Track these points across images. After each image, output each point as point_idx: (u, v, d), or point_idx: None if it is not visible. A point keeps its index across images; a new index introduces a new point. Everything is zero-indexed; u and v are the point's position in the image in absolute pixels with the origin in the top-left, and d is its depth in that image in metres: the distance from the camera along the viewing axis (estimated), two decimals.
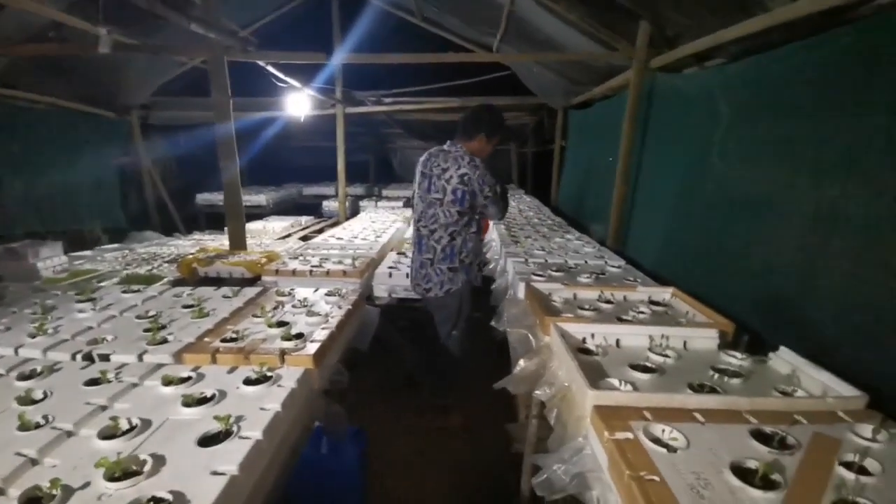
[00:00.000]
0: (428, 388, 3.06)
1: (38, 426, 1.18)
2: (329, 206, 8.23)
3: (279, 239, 5.23)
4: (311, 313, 1.99)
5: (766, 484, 0.97)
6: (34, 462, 1.06)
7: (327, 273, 2.93)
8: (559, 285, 2.27)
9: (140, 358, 1.58)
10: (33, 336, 1.72)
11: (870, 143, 1.58)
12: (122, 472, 1.00)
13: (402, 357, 3.21)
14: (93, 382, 1.40)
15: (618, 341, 1.72)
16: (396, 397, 3.11)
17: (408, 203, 6.66)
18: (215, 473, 1.02)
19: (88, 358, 1.59)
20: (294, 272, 2.96)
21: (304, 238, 5.27)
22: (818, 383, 1.39)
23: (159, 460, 1.06)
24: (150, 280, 3.05)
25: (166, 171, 7.15)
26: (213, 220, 7.23)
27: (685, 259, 2.78)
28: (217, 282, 3.08)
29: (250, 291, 2.29)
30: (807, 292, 1.81)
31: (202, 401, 1.31)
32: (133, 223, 5.98)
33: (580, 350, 1.64)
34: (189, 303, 2.11)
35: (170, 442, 1.13)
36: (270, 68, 4.58)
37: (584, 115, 5.60)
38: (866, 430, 1.14)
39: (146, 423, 1.20)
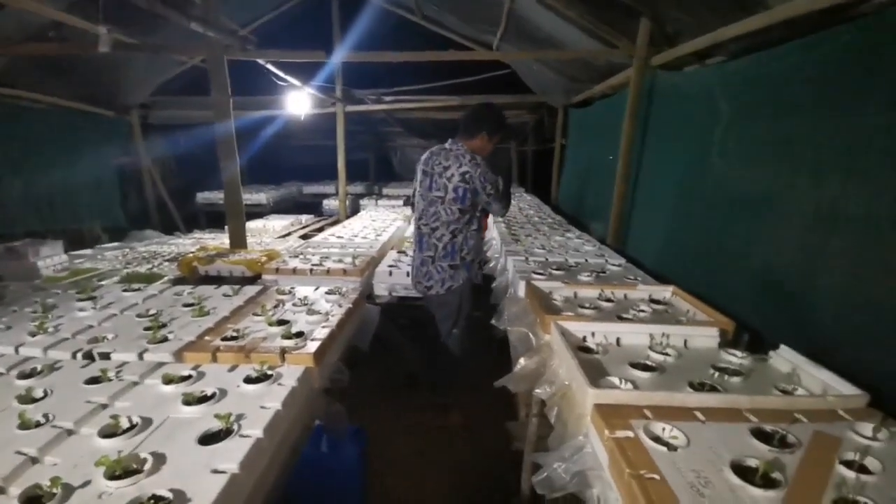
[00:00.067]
0: (428, 386, 3.06)
1: (38, 425, 1.18)
2: (329, 204, 8.24)
3: (279, 237, 5.23)
4: (311, 312, 1.99)
5: (767, 482, 0.97)
6: (34, 460, 1.06)
7: (328, 272, 2.93)
8: (559, 284, 2.27)
9: (140, 356, 1.58)
10: (34, 335, 1.72)
11: (870, 142, 1.58)
12: (122, 470, 1.00)
13: (403, 356, 3.22)
14: (93, 381, 1.40)
15: (618, 340, 1.72)
16: (397, 396, 3.12)
17: (407, 201, 6.66)
18: (216, 472, 1.02)
19: (89, 356, 1.59)
20: (294, 271, 2.96)
21: (305, 237, 5.27)
22: (819, 382, 1.39)
23: (160, 459, 1.06)
24: (150, 279, 3.05)
25: (166, 170, 7.15)
26: (213, 219, 7.23)
27: (685, 257, 2.78)
28: (217, 280, 3.08)
29: (251, 290, 2.29)
30: (807, 291, 1.81)
31: (203, 399, 1.31)
32: (133, 222, 5.98)
33: (580, 348, 1.64)
34: (189, 301, 2.11)
35: (170, 440, 1.13)
36: (270, 67, 4.58)
37: (584, 114, 5.60)
38: (867, 428, 1.14)
39: (147, 422, 1.20)
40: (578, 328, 1.72)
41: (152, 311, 1.98)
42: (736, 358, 1.58)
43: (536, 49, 5.00)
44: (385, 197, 8.33)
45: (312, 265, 3.01)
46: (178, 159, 7.49)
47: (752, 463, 1.02)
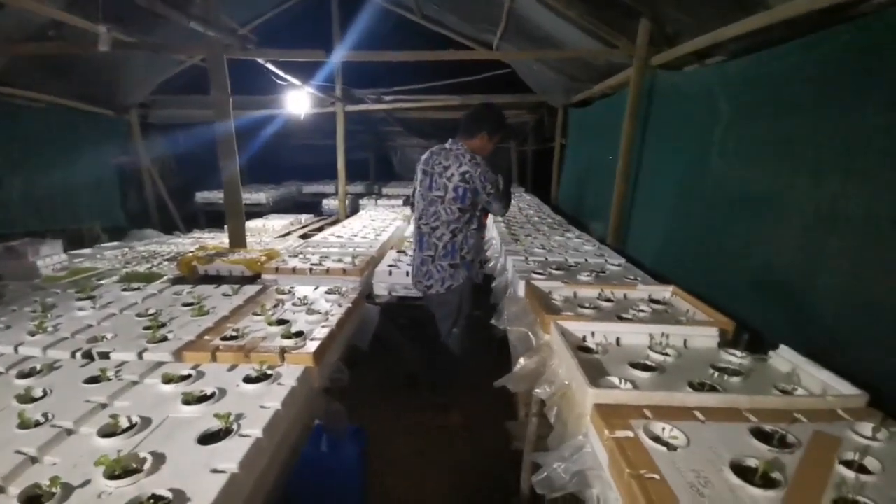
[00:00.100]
0: (428, 386, 3.06)
1: (37, 424, 1.18)
2: (329, 204, 8.23)
3: (279, 237, 5.23)
4: (311, 311, 1.99)
5: (766, 482, 0.97)
6: (34, 460, 1.06)
7: (327, 271, 2.93)
8: (559, 283, 2.27)
9: (140, 356, 1.58)
10: (33, 334, 1.71)
11: (870, 142, 1.58)
12: (122, 470, 1.00)
13: (402, 355, 3.22)
14: (93, 380, 1.40)
15: (618, 339, 1.72)
16: (396, 396, 3.12)
17: (407, 201, 6.66)
18: (215, 471, 1.02)
19: (88, 356, 1.59)
20: (294, 270, 2.96)
21: (304, 236, 5.26)
22: (818, 382, 1.39)
23: (159, 458, 1.06)
24: (149, 278, 3.04)
25: (166, 170, 7.14)
26: (212, 219, 7.23)
27: (685, 257, 2.78)
28: (217, 280, 3.08)
29: (250, 289, 2.29)
30: (807, 291, 1.81)
31: (202, 399, 1.31)
32: (132, 222, 5.97)
33: (580, 348, 1.64)
34: (189, 301, 2.11)
35: (170, 440, 1.13)
36: (270, 66, 4.58)
37: (584, 113, 5.60)
38: (866, 428, 1.14)
39: (146, 421, 1.20)
40: (578, 328, 1.72)
41: (152, 311, 1.97)
42: (736, 358, 1.58)
43: (536, 49, 5.00)
44: (385, 196, 8.33)
45: (312, 265, 3.01)
46: (177, 159, 7.49)
47: (752, 463, 1.02)
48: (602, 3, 3.31)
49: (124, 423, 1.18)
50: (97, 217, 5.50)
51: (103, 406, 1.28)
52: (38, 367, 1.48)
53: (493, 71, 6.38)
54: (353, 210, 7.37)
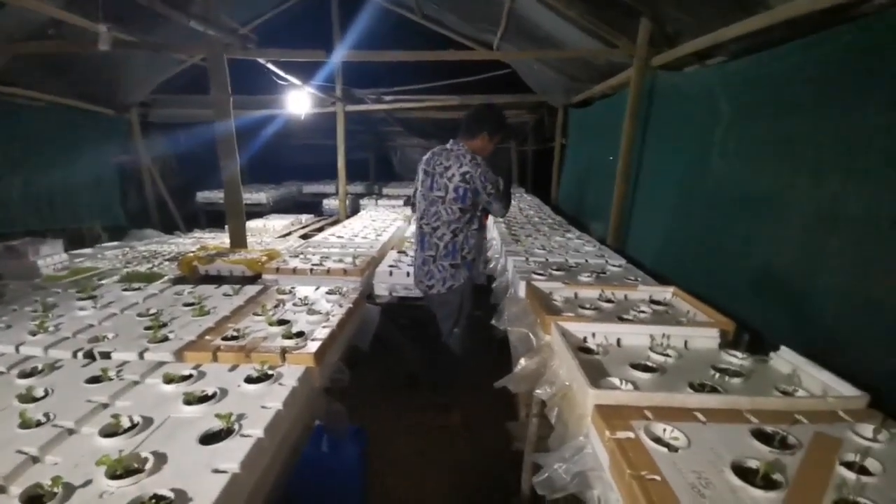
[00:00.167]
0: (430, 386, 3.06)
1: (39, 424, 1.18)
2: (329, 204, 8.23)
3: (279, 237, 5.23)
4: (311, 312, 1.99)
5: (767, 483, 0.97)
6: (35, 460, 1.06)
7: (328, 271, 2.93)
8: (560, 284, 2.27)
9: (141, 356, 1.58)
10: (34, 334, 1.71)
11: (870, 142, 1.58)
12: (123, 469, 1.00)
13: (403, 356, 3.22)
14: (94, 380, 1.40)
15: (619, 340, 1.72)
16: (397, 396, 3.12)
17: (408, 202, 6.66)
18: (217, 471, 1.02)
19: (89, 356, 1.59)
20: (295, 270, 2.96)
21: (305, 236, 5.27)
22: (819, 383, 1.39)
23: (161, 458, 1.06)
24: (150, 278, 3.05)
25: (166, 169, 7.14)
26: (213, 218, 7.23)
27: (686, 258, 2.78)
28: (218, 280, 3.08)
29: (251, 290, 2.29)
30: (807, 291, 1.81)
31: (203, 399, 1.31)
32: (133, 221, 5.98)
33: (581, 349, 1.64)
34: (190, 301, 2.11)
35: (171, 440, 1.13)
36: (270, 66, 4.58)
37: (584, 114, 5.60)
38: (867, 429, 1.14)
39: (147, 421, 1.20)
40: (579, 329, 1.73)
41: (153, 311, 1.97)
42: (736, 359, 1.58)
43: (536, 49, 5.00)
44: (385, 197, 8.33)
45: (313, 265, 3.01)
46: (178, 158, 7.48)
47: (753, 464, 1.02)
48: (602, 2, 3.31)
49: (126, 423, 1.18)
50: (97, 216, 5.50)
51: (105, 406, 1.28)
52: (40, 366, 1.48)
53: (493, 71, 6.37)
54: (354, 210, 7.37)
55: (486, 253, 3.39)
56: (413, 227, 2.92)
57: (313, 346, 1.61)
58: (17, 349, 1.63)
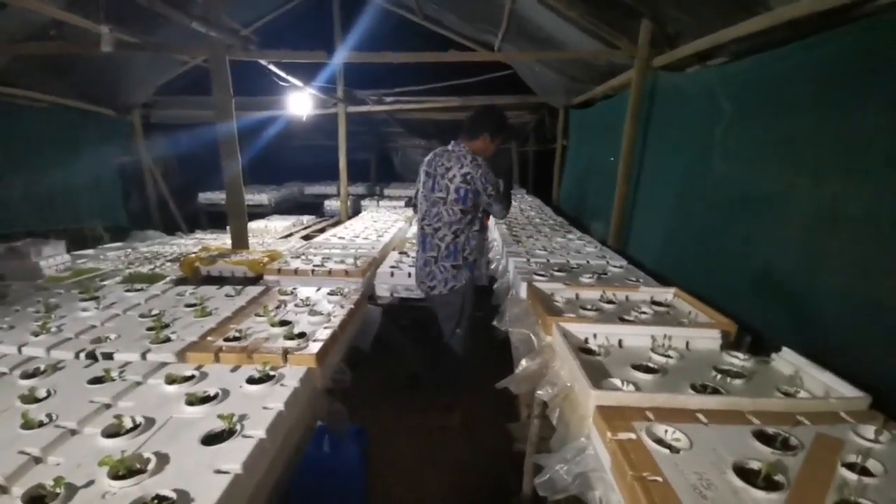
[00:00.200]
0: (432, 386, 3.06)
1: (41, 424, 1.18)
2: (331, 205, 8.24)
3: (281, 238, 5.23)
4: (313, 312, 1.99)
5: (769, 485, 0.97)
6: (38, 460, 1.06)
7: (329, 272, 2.94)
8: (561, 285, 2.28)
9: (143, 356, 1.58)
10: (37, 334, 1.72)
11: (871, 143, 1.58)
12: (125, 470, 1.01)
13: (404, 356, 3.22)
14: (96, 381, 1.41)
15: (620, 341, 1.72)
16: (398, 396, 3.12)
17: (409, 203, 6.66)
18: (219, 472, 1.02)
19: (92, 356, 1.59)
20: (296, 271, 2.96)
21: (306, 237, 5.28)
22: (821, 384, 1.39)
23: (163, 459, 1.06)
24: (152, 279, 3.05)
25: (168, 170, 7.16)
26: (214, 219, 7.23)
27: (687, 258, 2.78)
28: (219, 281, 3.09)
29: (253, 290, 2.30)
30: (809, 292, 1.81)
31: (205, 399, 1.31)
32: (134, 222, 5.99)
33: (582, 350, 1.64)
34: (192, 302, 2.11)
35: (173, 440, 1.13)
36: (272, 67, 4.58)
37: (585, 115, 5.60)
38: (869, 430, 1.14)
39: (150, 422, 1.20)
40: (580, 330, 1.73)
41: (155, 312, 1.98)
42: (738, 360, 1.58)
43: (537, 50, 5.00)
44: (386, 198, 8.33)
45: (314, 266, 3.01)
46: (179, 159, 7.50)
47: (755, 465, 1.02)
48: (603, 3, 3.31)
49: (128, 424, 1.19)
50: (99, 217, 5.51)
51: (107, 406, 1.29)
52: (42, 367, 1.48)
53: (494, 72, 6.38)
54: (355, 211, 7.39)
55: (487, 254, 3.39)
56: (414, 228, 2.92)
57: (315, 347, 1.61)
58: (19, 350, 1.63)
